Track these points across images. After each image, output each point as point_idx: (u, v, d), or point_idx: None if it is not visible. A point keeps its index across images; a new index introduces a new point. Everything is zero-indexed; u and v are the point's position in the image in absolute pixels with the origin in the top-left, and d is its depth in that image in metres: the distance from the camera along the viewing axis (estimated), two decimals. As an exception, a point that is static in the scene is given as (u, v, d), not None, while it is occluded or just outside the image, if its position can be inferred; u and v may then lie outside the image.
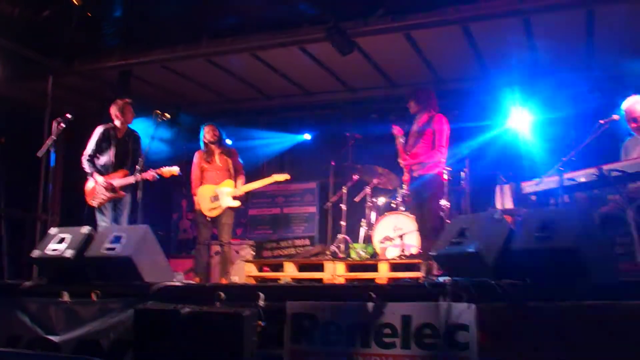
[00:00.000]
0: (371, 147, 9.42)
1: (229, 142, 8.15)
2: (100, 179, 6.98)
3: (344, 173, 9.24)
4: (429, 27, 7.63)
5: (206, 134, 7.53)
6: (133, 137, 7.32)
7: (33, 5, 7.72)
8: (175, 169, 7.03)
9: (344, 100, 10.56)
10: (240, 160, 7.66)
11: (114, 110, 7.21)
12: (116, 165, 7.10)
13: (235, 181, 7.50)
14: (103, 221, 6.99)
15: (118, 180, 7.01)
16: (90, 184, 7.11)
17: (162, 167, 6.97)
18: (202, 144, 7.61)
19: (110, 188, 6.98)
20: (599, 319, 3.44)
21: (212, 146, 7.54)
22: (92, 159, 7.10)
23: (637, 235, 5.22)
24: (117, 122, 7.20)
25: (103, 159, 7.11)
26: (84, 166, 7.11)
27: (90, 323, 4.74)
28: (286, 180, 7.88)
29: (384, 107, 9.96)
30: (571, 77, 8.83)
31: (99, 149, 7.12)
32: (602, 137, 5.65)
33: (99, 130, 7.17)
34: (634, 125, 5.70)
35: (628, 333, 3.36)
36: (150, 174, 6.88)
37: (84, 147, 7.17)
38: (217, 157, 7.53)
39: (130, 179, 6.98)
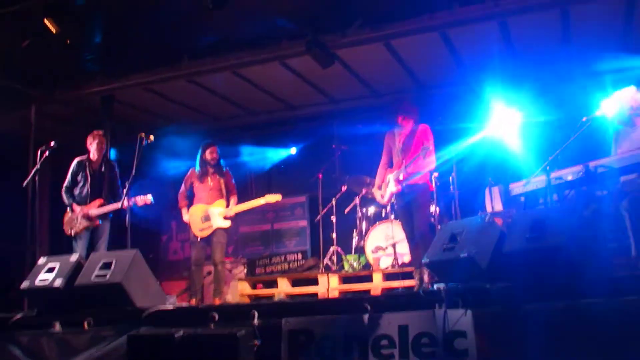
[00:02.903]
0: (358, 158, 9.40)
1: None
2: (78, 209, 7.24)
3: (332, 185, 9.21)
4: (406, 35, 7.65)
5: (208, 154, 7.56)
6: (109, 166, 7.56)
7: (12, 36, 7.67)
8: (148, 197, 7.13)
9: (328, 112, 10.57)
10: (233, 181, 7.68)
11: (88, 142, 7.46)
12: (92, 195, 7.33)
13: (228, 201, 7.52)
14: (77, 249, 7.15)
15: (94, 210, 7.24)
16: (67, 214, 7.35)
17: (136, 196, 7.09)
18: (197, 162, 7.59)
19: (87, 217, 7.21)
20: (595, 317, 3.44)
21: (208, 166, 7.54)
22: (69, 190, 7.38)
23: (630, 228, 5.23)
24: (92, 153, 7.44)
25: (80, 190, 7.36)
26: (63, 198, 7.38)
27: (83, 352, 4.71)
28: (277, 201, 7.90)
29: (368, 117, 9.94)
30: (552, 77, 8.87)
31: (75, 181, 7.38)
32: (586, 134, 5.65)
33: (74, 163, 7.44)
34: (631, 112, 5.67)
35: (625, 330, 3.35)
36: (125, 204, 6.91)
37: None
38: (210, 177, 7.54)
39: (107, 208, 7.25)
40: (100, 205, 7.26)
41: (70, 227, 7.25)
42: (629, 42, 8.02)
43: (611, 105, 5.75)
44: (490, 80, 8.94)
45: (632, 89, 5.77)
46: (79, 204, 7.27)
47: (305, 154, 10.79)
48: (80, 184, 7.35)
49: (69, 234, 7.28)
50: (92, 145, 7.41)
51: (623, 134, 5.79)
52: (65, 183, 7.38)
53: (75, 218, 7.22)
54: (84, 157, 7.45)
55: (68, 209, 7.32)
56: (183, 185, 7.68)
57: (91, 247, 7.22)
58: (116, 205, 7.16)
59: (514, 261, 3.98)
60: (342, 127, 10.40)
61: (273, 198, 7.74)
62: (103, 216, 7.29)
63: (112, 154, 9.59)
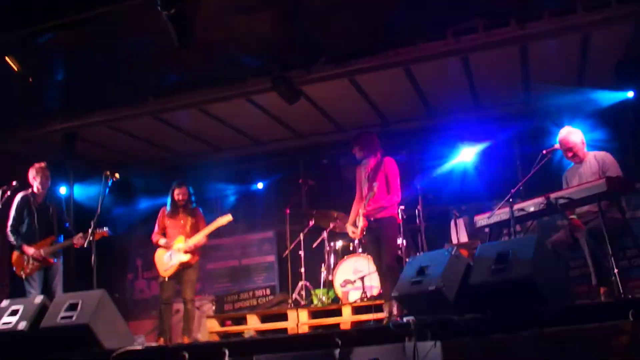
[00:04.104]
0: (325, 192, 9.48)
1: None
2: (30, 250, 6.92)
3: (299, 220, 9.24)
4: (371, 71, 7.78)
5: (176, 195, 7.50)
6: (54, 200, 7.32)
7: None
8: (105, 230, 6.88)
9: (294, 148, 10.65)
10: (205, 220, 7.61)
11: (30, 175, 7.15)
12: (42, 232, 7.05)
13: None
14: (31, 292, 6.86)
15: (46, 248, 6.97)
16: (15, 255, 7.02)
17: (88, 231, 6.62)
18: (169, 201, 7.56)
19: (39, 258, 6.92)
20: (559, 345, 3.51)
21: (178, 205, 7.51)
22: (16, 229, 7.04)
23: (589, 257, 5.38)
24: (35, 188, 7.15)
25: (27, 227, 7.05)
26: (9, 239, 7.05)
27: (50, 398, 4.59)
28: (229, 222, 7.76)
29: (334, 152, 10.05)
30: (513, 111, 9.11)
31: (21, 218, 7.05)
32: (546, 167, 5.82)
33: (18, 198, 7.08)
34: (570, 154, 5.92)
35: (589, 356, 3.43)
36: (80, 240, 6.82)
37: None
38: (180, 217, 7.50)
39: (60, 245, 7.03)
40: (53, 243, 7.03)
41: (22, 269, 6.92)
42: (584, 76, 8.30)
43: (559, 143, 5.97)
44: (453, 114, 9.16)
45: (567, 129, 5.98)
46: (28, 241, 6.94)
47: (272, 189, 10.82)
48: (27, 220, 7.03)
49: (20, 276, 6.97)
50: (36, 179, 7.09)
51: (572, 171, 6.02)
52: (10, 221, 7.02)
53: (26, 259, 6.92)
54: (28, 191, 7.12)
55: (16, 250, 6.99)
56: (157, 225, 7.58)
57: (46, 288, 6.95)
58: (69, 242, 6.98)
59: (480, 292, 4.05)
60: (309, 162, 10.49)
61: (224, 220, 7.62)
62: (56, 253, 7.05)
63: (76, 191, 9.51)
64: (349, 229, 6.72)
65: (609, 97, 8.30)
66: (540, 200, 5.43)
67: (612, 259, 4.97)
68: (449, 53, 7.42)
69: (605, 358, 3.38)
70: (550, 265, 4.16)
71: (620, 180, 5.33)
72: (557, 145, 5.89)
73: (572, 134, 5.92)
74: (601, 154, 5.85)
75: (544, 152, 5.80)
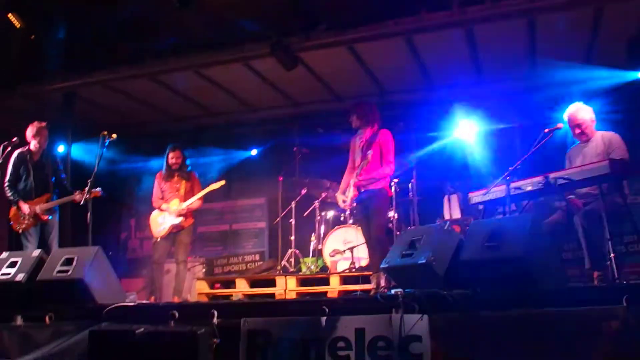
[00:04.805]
0: (318, 161, 9.46)
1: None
2: (25, 206, 6.99)
3: (292, 188, 9.23)
4: (371, 40, 7.70)
5: (170, 158, 7.55)
6: (50, 158, 7.35)
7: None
8: (98, 190, 6.83)
9: (290, 115, 10.58)
10: (201, 185, 7.66)
11: (29, 133, 7.17)
12: (38, 189, 7.12)
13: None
14: (28, 246, 6.96)
15: (41, 205, 7.04)
16: (13, 210, 7.11)
17: (85, 189, 6.64)
18: (164, 164, 7.60)
19: (35, 214, 7.00)
20: (549, 326, 3.52)
21: (172, 169, 7.55)
22: (13, 185, 7.11)
23: (584, 240, 5.30)
24: (32, 145, 7.18)
25: (24, 184, 7.12)
26: (7, 194, 7.11)
27: (44, 346, 4.70)
28: (221, 186, 7.80)
29: (329, 121, 9.99)
30: (515, 87, 9.01)
31: (18, 175, 7.12)
32: (547, 146, 5.67)
33: (15, 155, 7.14)
34: (577, 131, 5.75)
35: (577, 339, 3.43)
36: (78, 196, 6.86)
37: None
38: (175, 180, 7.54)
39: (55, 202, 7.09)
40: (48, 200, 7.10)
41: (18, 224, 7.03)
42: (593, 53, 8.15)
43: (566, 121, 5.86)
44: (453, 88, 9.08)
45: (578, 105, 5.84)
46: (24, 198, 7.04)
47: (265, 156, 10.79)
48: (23, 178, 7.11)
49: (16, 230, 7.07)
50: (35, 138, 7.12)
51: (576, 150, 5.87)
52: (8, 177, 7.10)
53: (22, 215, 7.00)
54: (25, 149, 7.17)
55: (14, 205, 7.09)
56: (156, 189, 7.63)
57: (43, 243, 7.03)
58: (64, 199, 7.06)
59: (471, 269, 4.02)
60: (304, 130, 10.44)
61: (217, 185, 7.72)
62: (51, 210, 7.13)
63: (74, 151, 9.51)
64: (339, 198, 6.69)
65: (618, 76, 8.08)
66: (538, 179, 5.25)
67: (610, 243, 4.84)
68: (454, 24, 7.31)
69: (594, 342, 3.37)
70: (544, 246, 4.12)
71: (624, 164, 5.18)
72: (559, 125, 5.69)
73: (581, 110, 5.75)
74: (609, 134, 5.66)
75: (546, 130, 5.63)
